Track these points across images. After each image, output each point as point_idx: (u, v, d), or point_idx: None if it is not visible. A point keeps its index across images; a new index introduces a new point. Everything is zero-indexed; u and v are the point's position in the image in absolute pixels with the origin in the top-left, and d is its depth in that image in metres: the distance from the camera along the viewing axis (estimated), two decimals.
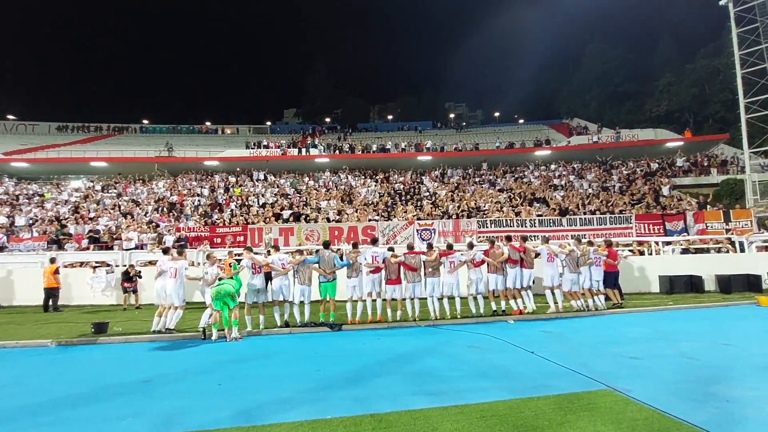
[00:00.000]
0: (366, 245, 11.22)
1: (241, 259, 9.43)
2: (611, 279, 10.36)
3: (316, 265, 8.87)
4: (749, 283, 12.47)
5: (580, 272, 9.75)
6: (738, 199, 22.88)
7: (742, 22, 24.14)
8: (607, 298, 10.34)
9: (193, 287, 10.50)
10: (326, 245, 9.34)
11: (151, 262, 14.54)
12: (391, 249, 9.53)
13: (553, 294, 9.77)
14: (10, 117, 44.92)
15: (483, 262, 9.63)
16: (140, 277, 12.70)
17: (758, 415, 3.89)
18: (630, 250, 14.79)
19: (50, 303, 12.15)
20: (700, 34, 50.18)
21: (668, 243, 15.67)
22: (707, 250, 15.07)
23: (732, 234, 15.79)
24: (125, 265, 13.33)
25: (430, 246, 9.99)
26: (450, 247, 10.16)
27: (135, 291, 12.64)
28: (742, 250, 14.39)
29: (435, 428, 3.69)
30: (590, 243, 10.67)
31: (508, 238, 10.27)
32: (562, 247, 10.12)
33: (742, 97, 23.81)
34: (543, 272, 9.95)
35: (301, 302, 8.75)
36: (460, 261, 9.52)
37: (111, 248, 16.53)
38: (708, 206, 19.92)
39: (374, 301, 9.19)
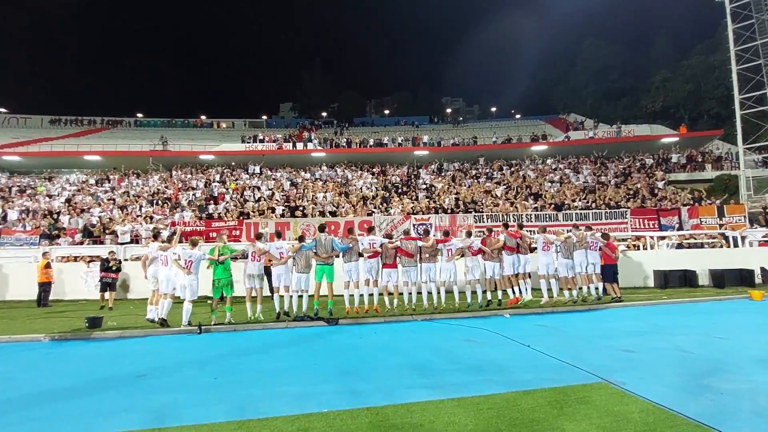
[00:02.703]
0: (362, 236, 11.24)
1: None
2: (610, 272, 10.36)
3: (313, 251, 8.85)
4: (742, 278, 12.58)
5: (573, 258, 9.79)
6: (732, 194, 23.06)
7: (738, 19, 24.19)
8: (606, 292, 10.37)
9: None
10: (322, 229, 9.32)
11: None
12: (388, 236, 9.57)
13: (548, 283, 9.81)
14: (2, 110, 44.28)
15: (480, 251, 9.65)
16: (119, 268, 11.94)
17: (752, 406, 3.92)
18: (626, 245, 14.88)
19: (42, 298, 12.03)
20: (695, 31, 50.46)
21: (663, 238, 15.77)
22: (702, 245, 15.18)
23: (725, 229, 15.91)
24: (110, 253, 12.27)
25: (426, 232, 10.03)
26: (447, 234, 10.17)
27: (112, 286, 11.65)
28: (736, 246, 14.50)
29: (431, 421, 3.69)
30: (588, 228, 10.70)
31: (506, 225, 10.28)
32: (558, 234, 10.16)
33: (737, 93, 23.93)
34: (538, 261, 9.97)
35: (300, 296, 8.75)
36: (458, 248, 9.56)
37: (103, 242, 16.41)
38: (703, 201, 20.07)
39: (371, 295, 9.20)
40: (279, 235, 9.48)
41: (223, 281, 8.41)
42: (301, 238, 9.11)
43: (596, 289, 9.99)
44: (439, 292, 9.40)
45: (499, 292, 9.75)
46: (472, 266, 9.52)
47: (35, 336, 7.73)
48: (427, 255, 9.34)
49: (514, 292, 9.62)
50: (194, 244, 8.47)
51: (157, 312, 8.38)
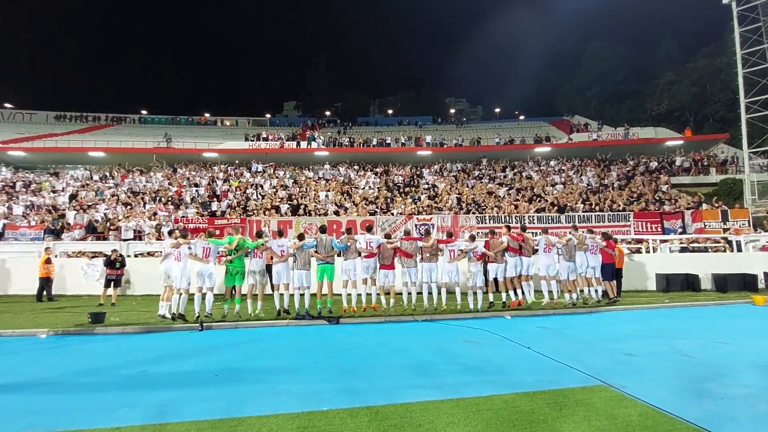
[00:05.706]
0: (361, 234, 11.27)
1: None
2: (608, 271, 10.32)
3: (314, 250, 8.95)
4: (745, 283, 12.53)
5: (574, 260, 9.79)
6: (736, 198, 22.94)
7: (745, 22, 24.08)
8: (605, 293, 10.34)
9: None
10: (323, 230, 9.48)
11: (150, 253, 14.54)
12: (387, 236, 9.60)
13: (548, 284, 9.79)
14: (8, 105, 44.56)
15: (484, 255, 9.64)
16: (123, 264, 11.92)
17: (752, 412, 3.92)
18: (629, 248, 14.84)
19: (44, 292, 12.10)
20: (701, 33, 50.25)
21: (665, 241, 15.72)
22: (705, 249, 15.12)
23: (729, 233, 15.84)
24: (113, 250, 12.13)
25: (427, 232, 10.04)
26: (450, 235, 10.17)
27: (117, 282, 11.57)
28: (739, 250, 14.44)
29: (431, 421, 3.70)
30: (590, 231, 10.70)
31: (508, 228, 10.27)
32: (559, 236, 10.14)
33: (743, 96, 23.81)
34: (539, 262, 9.96)
35: (301, 295, 8.80)
36: (461, 250, 9.53)
37: (106, 238, 16.51)
38: (703, 205, 19.97)
39: (369, 295, 9.23)
40: (281, 233, 9.53)
41: (238, 269, 8.66)
42: (300, 236, 9.17)
43: (596, 291, 9.98)
44: (439, 293, 9.40)
45: (503, 294, 9.75)
46: (475, 272, 9.47)
47: (38, 330, 7.79)
48: (428, 255, 9.32)
49: (516, 294, 9.62)
50: (210, 235, 8.81)
51: (168, 307, 8.48)
